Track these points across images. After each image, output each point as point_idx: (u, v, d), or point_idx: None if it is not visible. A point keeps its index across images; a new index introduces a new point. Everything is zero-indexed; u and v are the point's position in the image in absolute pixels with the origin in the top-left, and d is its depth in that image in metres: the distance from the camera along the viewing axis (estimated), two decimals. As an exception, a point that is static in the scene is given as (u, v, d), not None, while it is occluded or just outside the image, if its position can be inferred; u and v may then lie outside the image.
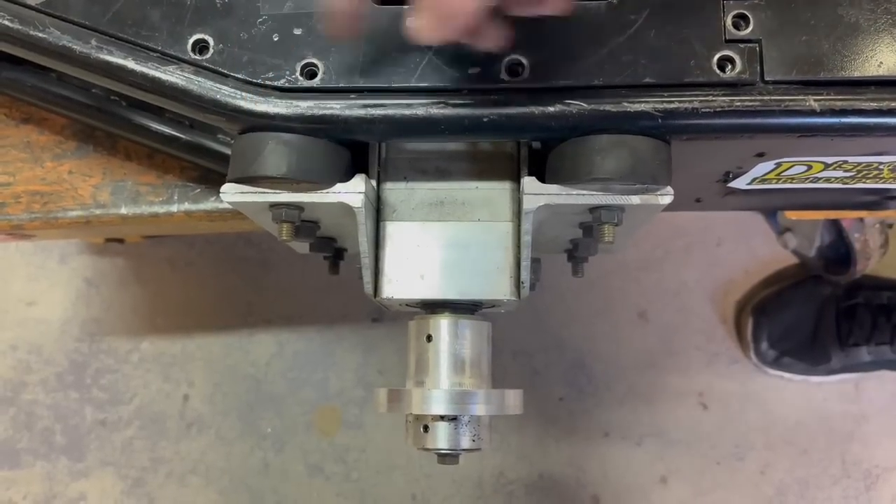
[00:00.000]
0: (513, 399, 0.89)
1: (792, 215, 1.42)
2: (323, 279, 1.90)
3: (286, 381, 1.97)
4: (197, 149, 0.97)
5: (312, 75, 0.76)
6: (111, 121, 0.97)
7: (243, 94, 0.74)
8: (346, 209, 0.79)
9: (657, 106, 0.72)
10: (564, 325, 2.03)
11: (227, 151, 0.94)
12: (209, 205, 1.02)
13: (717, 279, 2.07)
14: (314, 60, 0.76)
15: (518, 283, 0.85)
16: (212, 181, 1.02)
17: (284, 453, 1.92)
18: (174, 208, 1.03)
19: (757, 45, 0.74)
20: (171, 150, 0.98)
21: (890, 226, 1.70)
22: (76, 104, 0.96)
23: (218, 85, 0.75)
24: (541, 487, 1.91)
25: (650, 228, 2.04)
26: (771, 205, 1.40)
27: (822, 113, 0.72)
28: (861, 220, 1.60)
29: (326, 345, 2.00)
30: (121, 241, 1.99)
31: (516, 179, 0.85)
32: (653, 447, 1.94)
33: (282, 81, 0.75)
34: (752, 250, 2.08)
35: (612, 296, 2.04)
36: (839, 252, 1.84)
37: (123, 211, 1.03)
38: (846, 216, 1.57)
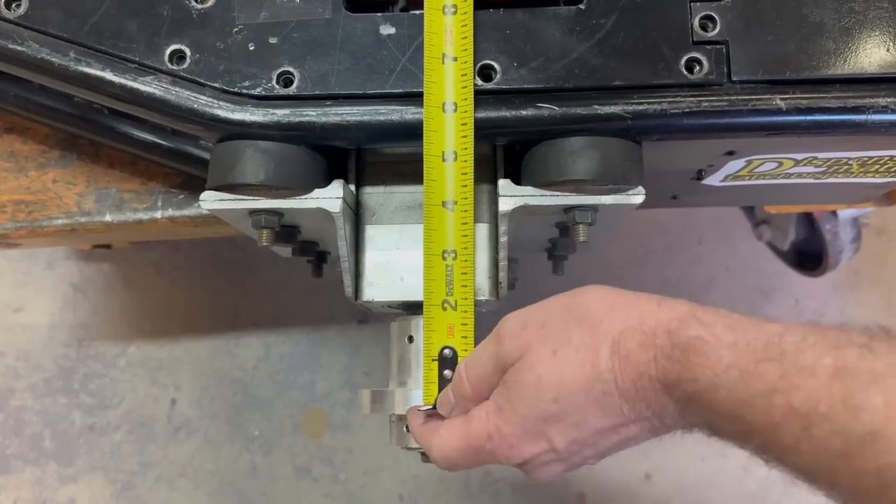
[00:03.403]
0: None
1: (771, 209, 1.44)
2: (309, 282, 1.89)
3: (273, 383, 1.98)
4: (180, 155, 0.98)
5: (288, 83, 0.77)
6: (94, 129, 0.98)
7: (220, 102, 0.76)
8: (324, 214, 0.80)
9: (627, 108, 0.74)
10: (549, 324, 2.03)
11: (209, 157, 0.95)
12: (193, 210, 1.03)
13: (699, 277, 2.08)
14: (290, 69, 0.77)
15: (496, 283, 0.86)
16: (195, 187, 1.02)
17: (272, 456, 1.92)
18: (158, 215, 1.03)
19: (724, 46, 0.75)
20: (154, 156, 0.99)
21: (865, 224, 1.70)
22: (59, 113, 0.97)
23: (195, 94, 0.76)
24: (527, 486, 1.91)
25: (632, 228, 2.05)
26: (748, 200, 1.41)
27: (789, 111, 0.74)
28: (834, 213, 1.61)
29: (313, 347, 2.00)
30: (108, 246, 1.99)
31: (493, 182, 0.86)
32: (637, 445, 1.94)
33: (258, 90, 0.76)
34: (733, 248, 2.09)
35: (596, 294, 2.05)
36: (812, 247, 1.85)
37: (108, 218, 1.03)
38: (824, 209, 1.58)
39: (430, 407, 0.79)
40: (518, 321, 0.70)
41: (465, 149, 0.77)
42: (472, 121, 0.76)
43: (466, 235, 0.78)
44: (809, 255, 1.89)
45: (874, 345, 0.54)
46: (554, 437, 0.68)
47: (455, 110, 0.76)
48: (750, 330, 0.59)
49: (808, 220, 1.78)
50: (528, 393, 0.67)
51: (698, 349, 0.59)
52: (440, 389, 0.78)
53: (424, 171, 0.77)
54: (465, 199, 0.78)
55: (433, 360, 0.79)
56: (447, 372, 0.78)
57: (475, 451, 0.71)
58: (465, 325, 0.79)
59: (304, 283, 2.03)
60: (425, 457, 0.87)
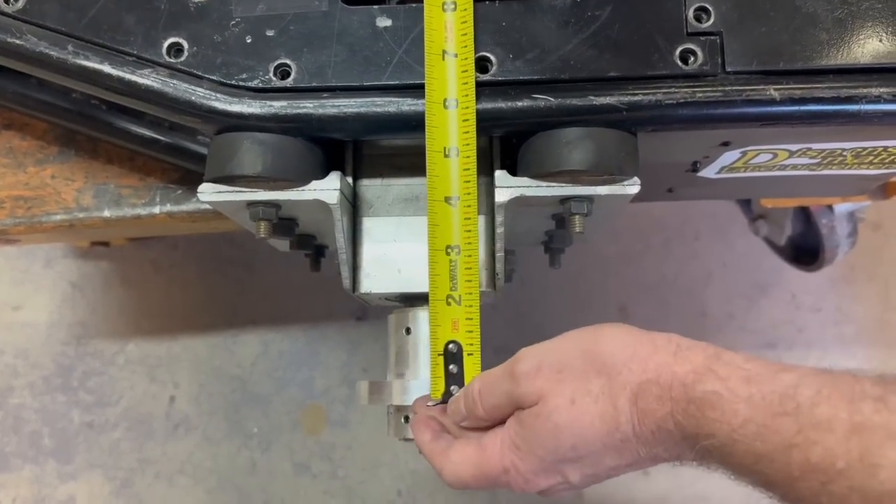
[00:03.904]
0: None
1: (767, 203, 1.44)
2: (307, 279, 1.90)
3: (272, 380, 1.98)
4: (178, 150, 0.98)
5: (285, 75, 0.77)
6: (92, 124, 0.98)
7: (218, 95, 0.76)
8: (322, 206, 0.80)
9: (622, 99, 0.74)
10: (546, 320, 2.04)
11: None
12: (191, 206, 1.03)
13: (696, 272, 2.08)
14: (287, 61, 0.77)
15: (493, 274, 0.87)
16: (193, 182, 1.03)
17: (271, 452, 1.93)
18: (156, 210, 1.04)
19: (718, 37, 0.76)
20: (152, 152, 0.99)
21: (861, 219, 1.71)
22: (57, 109, 0.97)
23: (193, 87, 0.76)
24: (526, 480, 1.91)
25: (629, 223, 2.06)
26: (743, 192, 1.41)
27: (782, 102, 0.74)
28: (830, 208, 1.61)
29: (311, 344, 2.01)
30: (106, 244, 1.99)
31: (489, 174, 0.86)
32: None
33: (255, 82, 0.77)
34: (730, 243, 2.09)
35: (593, 290, 2.06)
36: (808, 242, 1.85)
37: (106, 214, 1.03)
38: (820, 203, 1.58)
39: (438, 402, 0.80)
40: (533, 362, 0.70)
41: (467, 144, 0.77)
42: (474, 117, 0.76)
43: (470, 231, 0.78)
44: (806, 250, 1.90)
45: (889, 398, 0.55)
46: (569, 474, 0.70)
47: (456, 106, 0.76)
48: (765, 382, 0.59)
49: (805, 215, 1.79)
50: (546, 439, 0.68)
51: (714, 404, 0.60)
52: (447, 385, 0.79)
53: (427, 167, 0.78)
54: (468, 194, 0.78)
55: (439, 354, 0.79)
56: (452, 367, 0.79)
57: (490, 479, 0.73)
58: (471, 319, 0.79)
59: (302, 280, 2.04)
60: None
